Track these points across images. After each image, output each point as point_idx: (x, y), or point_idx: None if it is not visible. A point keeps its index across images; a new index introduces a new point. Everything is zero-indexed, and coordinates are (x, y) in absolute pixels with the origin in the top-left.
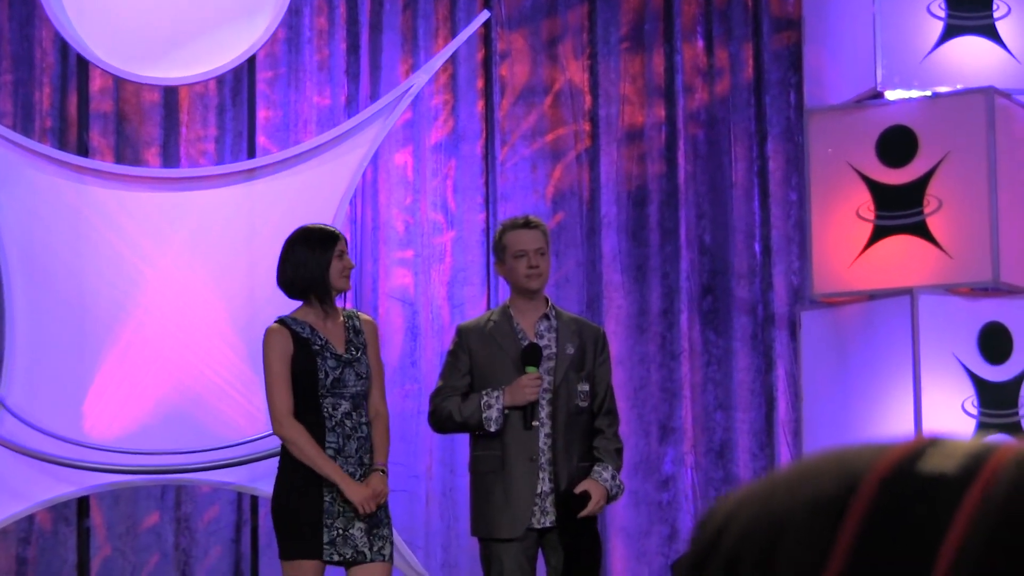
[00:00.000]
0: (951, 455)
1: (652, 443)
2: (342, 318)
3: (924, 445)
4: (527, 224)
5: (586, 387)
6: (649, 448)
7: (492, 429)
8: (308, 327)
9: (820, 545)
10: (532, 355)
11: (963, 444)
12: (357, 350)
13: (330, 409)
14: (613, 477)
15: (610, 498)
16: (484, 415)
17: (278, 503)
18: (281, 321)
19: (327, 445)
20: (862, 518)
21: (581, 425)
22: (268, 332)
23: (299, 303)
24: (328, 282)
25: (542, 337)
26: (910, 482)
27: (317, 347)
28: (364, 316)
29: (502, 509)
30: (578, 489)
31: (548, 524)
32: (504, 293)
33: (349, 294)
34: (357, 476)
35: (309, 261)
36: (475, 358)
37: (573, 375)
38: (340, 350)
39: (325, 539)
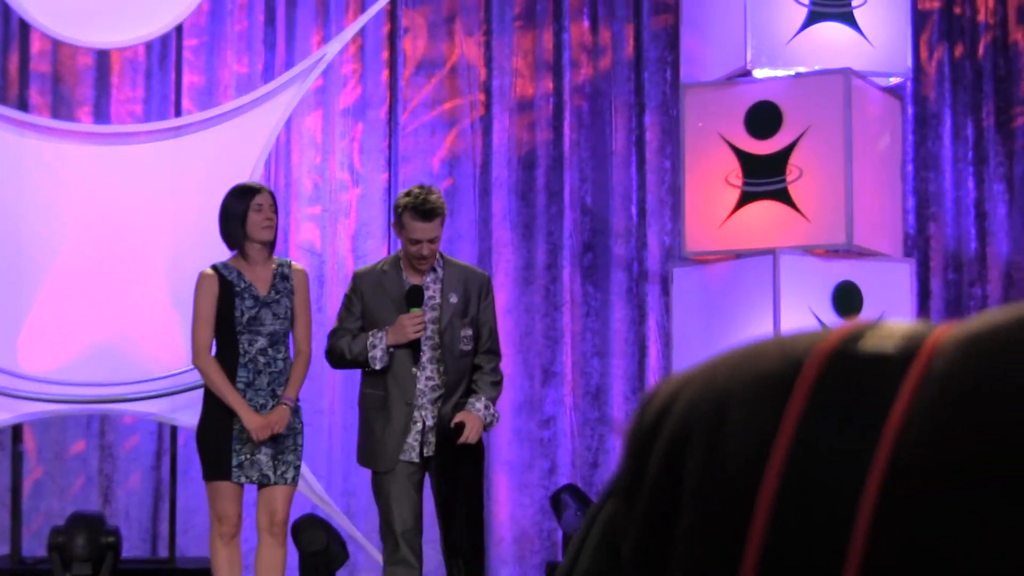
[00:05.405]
0: (890, 336)
1: (535, 385)
2: (273, 265)
3: (863, 328)
4: (425, 216)
5: (469, 332)
6: (532, 390)
7: (377, 367)
8: (236, 272)
9: (766, 421)
10: (414, 296)
11: (901, 326)
12: (279, 293)
13: (246, 345)
14: (486, 407)
15: (485, 426)
16: (370, 354)
17: (198, 430)
18: (214, 267)
19: (238, 378)
20: (807, 395)
21: (464, 366)
22: (200, 276)
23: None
24: (246, 231)
25: (428, 288)
26: (852, 361)
27: (239, 289)
28: (296, 265)
29: (380, 443)
30: (454, 421)
31: (430, 453)
32: None
33: None
34: (268, 407)
35: (230, 212)
36: (366, 302)
37: (457, 322)
38: (262, 292)
39: (234, 462)
